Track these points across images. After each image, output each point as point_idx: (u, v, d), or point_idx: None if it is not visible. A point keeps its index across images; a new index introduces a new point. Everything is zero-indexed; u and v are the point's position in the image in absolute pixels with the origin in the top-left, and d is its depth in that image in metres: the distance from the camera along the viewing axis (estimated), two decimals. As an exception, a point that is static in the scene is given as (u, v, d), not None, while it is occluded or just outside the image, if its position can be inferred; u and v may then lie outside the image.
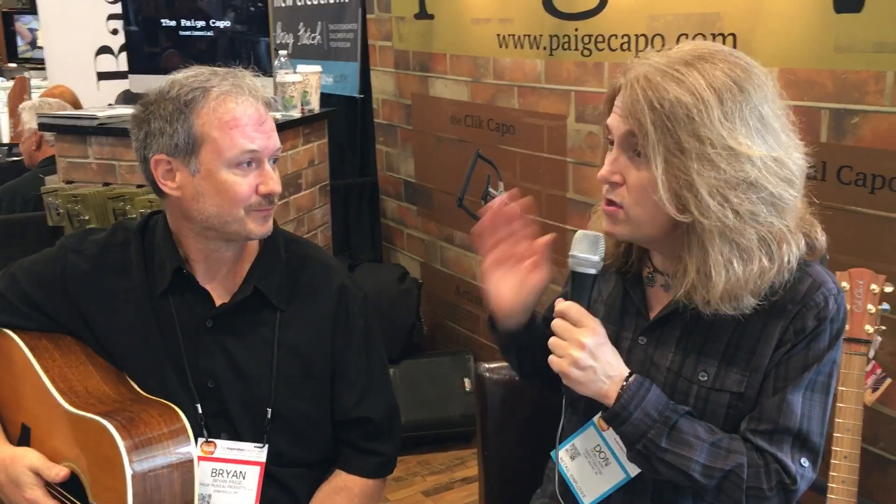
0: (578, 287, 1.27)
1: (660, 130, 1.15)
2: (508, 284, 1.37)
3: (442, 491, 3.11)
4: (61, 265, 1.54)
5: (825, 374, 1.24)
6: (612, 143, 1.25)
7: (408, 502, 3.04)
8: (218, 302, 1.53)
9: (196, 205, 1.43)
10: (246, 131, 1.41)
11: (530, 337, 1.43)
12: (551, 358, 1.24)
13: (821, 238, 1.26)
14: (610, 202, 1.26)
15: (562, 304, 1.26)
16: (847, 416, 1.66)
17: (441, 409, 3.36)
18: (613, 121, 1.23)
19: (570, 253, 1.28)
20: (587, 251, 1.26)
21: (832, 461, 1.66)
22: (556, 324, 1.25)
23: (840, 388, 1.64)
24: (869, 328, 1.69)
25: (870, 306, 1.70)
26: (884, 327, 1.72)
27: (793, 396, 1.22)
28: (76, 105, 4.16)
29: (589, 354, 1.21)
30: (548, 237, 1.34)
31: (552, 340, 1.25)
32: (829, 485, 1.67)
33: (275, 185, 1.45)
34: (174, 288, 1.52)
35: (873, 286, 1.70)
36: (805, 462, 1.23)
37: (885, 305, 1.70)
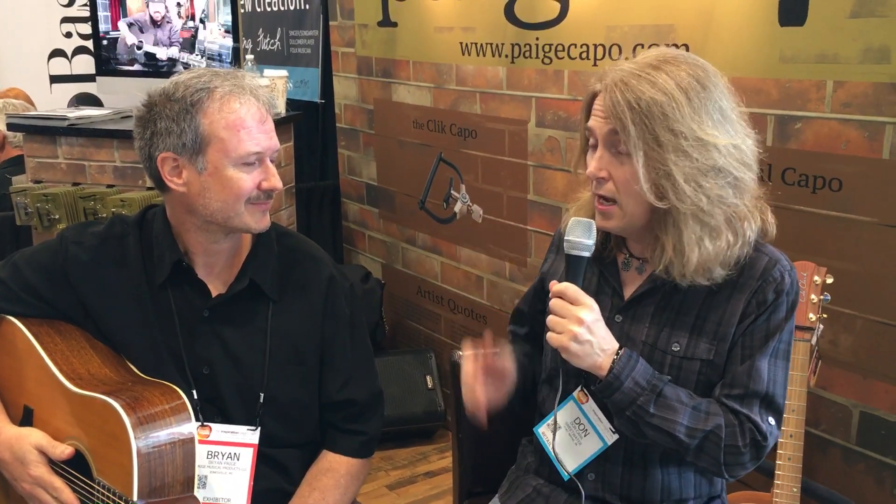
0: (573, 269, 1.38)
1: (639, 128, 1.29)
2: (491, 390, 1.51)
3: (406, 485, 3.20)
4: (63, 255, 1.59)
5: (785, 341, 1.39)
6: (593, 144, 1.39)
7: (372, 496, 3.11)
8: (214, 293, 1.60)
9: (201, 200, 1.50)
10: (252, 133, 1.48)
11: (521, 392, 1.59)
12: (550, 335, 1.35)
13: (771, 220, 1.41)
14: (603, 199, 1.38)
15: (559, 285, 1.36)
16: (793, 398, 1.79)
17: (404, 406, 3.44)
18: (595, 123, 1.36)
19: (565, 238, 1.38)
20: (582, 236, 1.37)
21: (780, 440, 1.79)
22: (555, 303, 1.35)
23: (786, 371, 1.78)
24: (812, 316, 1.83)
25: (812, 296, 1.84)
26: (825, 315, 1.87)
27: (760, 363, 1.37)
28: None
29: (587, 329, 1.33)
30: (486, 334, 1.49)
31: (551, 318, 1.35)
32: (777, 462, 1.80)
33: (276, 181, 1.52)
34: (173, 280, 1.58)
35: (815, 278, 1.85)
36: (772, 421, 1.37)
37: (826, 296, 1.85)
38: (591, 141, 1.39)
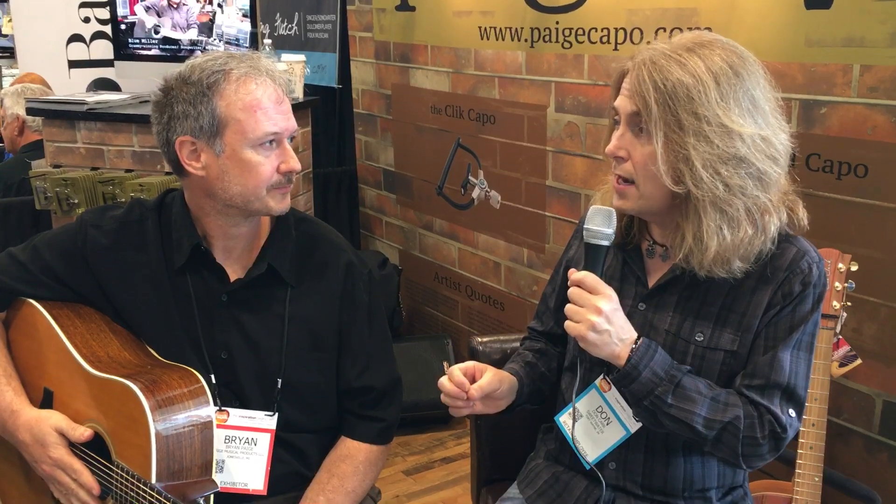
0: (593, 258, 1.36)
1: (662, 108, 1.27)
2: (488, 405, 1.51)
3: (422, 470, 3.20)
4: (82, 239, 1.60)
5: (809, 333, 1.37)
6: (618, 122, 1.36)
7: (389, 481, 3.11)
8: (233, 278, 1.60)
9: (221, 183, 1.50)
10: (269, 113, 1.47)
11: (529, 396, 1.59)
12: (568, 323, 1.33)
13: (802, 214, 1.38)
14: (620, 179, 1.36)
15: (578, 274, 1.34)
16: (815, 387, 1.77)
17: (420, 392, 3.43)
18: (621, 101, 1.34)
19: (584, 226, 1.37)
20: (602, 224, 1.35)
21: (801, 429, 1.77)
22: (573, 292, 1.33)
23: (809, 360, 1.76)
24: (836, 304, 1.81)
25: (837, 284, 1.81)
26: (849, 303, 1.84)
27: (782, 354, 1.34)
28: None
29: (605, 319, 1.31)
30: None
31: (569, 307, 1.33)
32: (798, 451, 1.78)
33: (295, 163, 1.52)
34: (191, 264, 1.58)
35: (840, 265, 1.82)
36: (792, 413, 1.35)
37: (851, 283, 1.82)
38: (617, 120, 1.37)
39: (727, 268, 1.33)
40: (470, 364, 1.49)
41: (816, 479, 1.76)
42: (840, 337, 1.95)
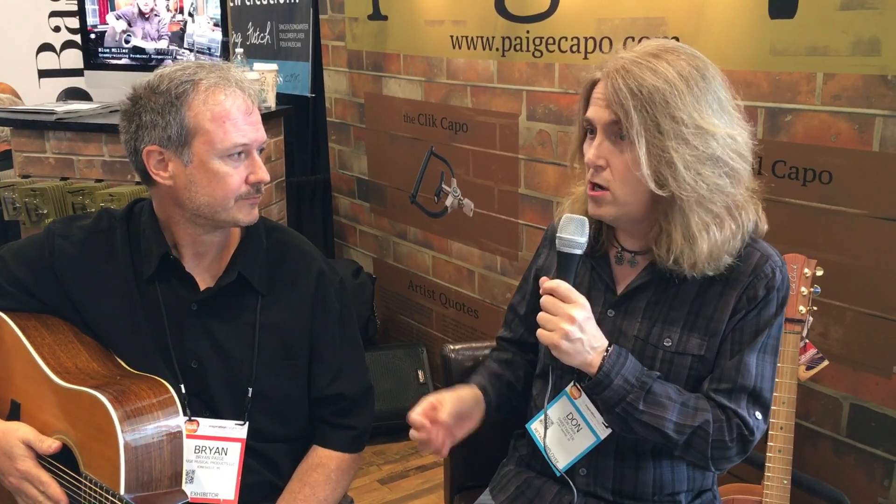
0: (565, 266, 1.37)
1: (640, 114, 1.29)
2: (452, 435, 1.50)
3: (397, 479, 3.20)
4: (49, 249, 1.58)
5: (774, 336, 1.39)
6: (590, 131, 1.39)
7: (364, 490, 3.10)
8: (202, 287, 1.59)
9: (188, 193, 1.49)
10: (238, 124, 1.47)
11: (496, 407, 1.60)
12: (541, 332, 1.34)
13: (762, 215, 1.42)
14: (595, 186, 1.38)
15: (550, 283, 1.35)
16: (782, 391, 1.80)
17: (395, 401, 3.43)
18: (595, 112, 1.36)
19: (557, 235, 1.37)
20: (574, 233, 1.36)
21: (769, 432, 1.79)
22: (546, 300, 1.34)
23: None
24: (802, 309, 1.83)
25: (803, 289, 1.84)
26: (815, 308, 1.87)
27: (748, 358, 1.37)
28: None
29: (578, 328, 1.32)
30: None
31: (542, 316, 1.34)
32: (767, 454, 1.80)
33: (263, 174, 1.51)
34: (160, 273, 1.57)
35: (806, 270, 1.85)
36: (759, 415, 1.38)
37: (817, 288, 1.85)
38: (590, 130, 1.38)
39: (716, 264, 1.35)
40: (425, 403, 1.47)
41: (785, 481, 1.78)
42: (807, 341, 1.98)
